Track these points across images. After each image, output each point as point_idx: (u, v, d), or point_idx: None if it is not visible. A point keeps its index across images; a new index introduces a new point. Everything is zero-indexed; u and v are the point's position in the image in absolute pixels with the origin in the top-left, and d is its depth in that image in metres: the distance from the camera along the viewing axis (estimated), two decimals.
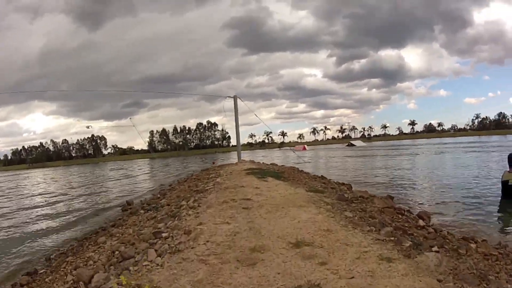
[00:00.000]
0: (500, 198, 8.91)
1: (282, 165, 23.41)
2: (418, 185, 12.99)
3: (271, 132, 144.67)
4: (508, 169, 8.07)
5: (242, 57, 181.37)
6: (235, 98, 23.07)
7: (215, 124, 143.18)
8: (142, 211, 9.45)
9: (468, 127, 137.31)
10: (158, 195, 13.91)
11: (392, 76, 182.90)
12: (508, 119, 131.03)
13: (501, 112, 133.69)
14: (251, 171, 13.38)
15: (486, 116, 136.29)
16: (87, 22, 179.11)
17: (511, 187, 7.96)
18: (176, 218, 5.95)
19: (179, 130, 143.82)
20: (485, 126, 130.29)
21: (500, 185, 8.91)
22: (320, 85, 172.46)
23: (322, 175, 14.17)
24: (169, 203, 8.99)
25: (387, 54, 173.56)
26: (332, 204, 5.97)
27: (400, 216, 6.20)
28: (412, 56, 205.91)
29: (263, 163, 25.31)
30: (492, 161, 20.51)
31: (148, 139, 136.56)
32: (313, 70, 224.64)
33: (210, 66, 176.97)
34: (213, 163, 33.67)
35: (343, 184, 11.24)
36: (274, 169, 15.89)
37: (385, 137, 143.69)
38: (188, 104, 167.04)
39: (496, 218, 7.99)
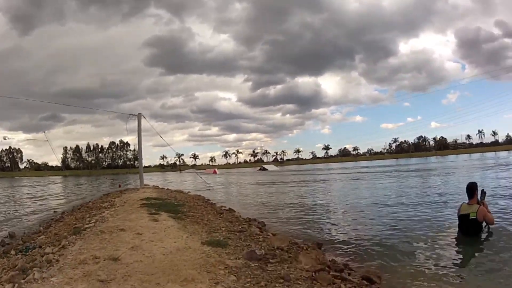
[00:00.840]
0: (456, 235, 7.19)
1: (189, 192, 21.87)
2: (342, 218, 10.60)
3: (182, 154, 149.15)
4: (467, 201, 7.23)
5: (159, 77, 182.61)
6: (138, 116, 21.44)
7: (128, 144, 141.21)
8: (13, 252, 7.36)
9: (385, 151, 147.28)
10: (41, 228, 11.35)
11: (307, 102, 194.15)
12: (429, 142, 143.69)
13: (421, 136, 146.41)
14: (147, 201, 11.77)
15: (405, 140, 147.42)
16: (19, 25, 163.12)
17: (473, 222, 7.04)
18: (25, 278, 4.32)
19: (92, 148, 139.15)
20: (404, 149, 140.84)
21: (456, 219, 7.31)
22: (234, 109, 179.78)
23: (230, 208, 12.98)
24: (43, 244, 7.10)
25: (304, 81, 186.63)
26: (237, 271, 4.08)
27: (341, 283, 4.10)
28: (329, 83, 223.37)
29: (167, 189, 23.40)
30: (415, 186, 19.99)
31: (62, 156, 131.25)
32: (228, 94, 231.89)
33: (127, 84, 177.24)
34: (119, 185, 31.41)
35: (254, 220, 10.07)
36: (176, 199, 14.32)
37: (298, 161, 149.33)
38: (103, 121, 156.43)
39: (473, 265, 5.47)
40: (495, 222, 7.13)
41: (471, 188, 6.93)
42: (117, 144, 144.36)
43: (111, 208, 10.86)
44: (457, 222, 7.19)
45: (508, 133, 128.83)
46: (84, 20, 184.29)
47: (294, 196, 18.30)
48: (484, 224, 6.94)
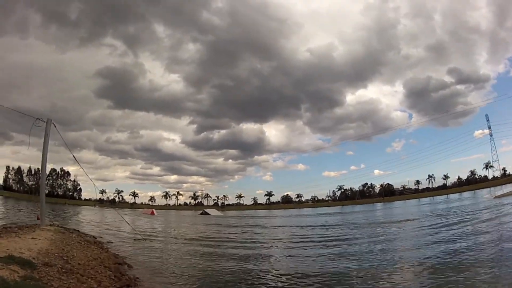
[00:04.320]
0: None
1: (108, 242, 16.05)
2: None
3: (122, 191, 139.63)
4: None
5: (107, 110, 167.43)
6: (48, 122, 16.92)
7: (68, 173, 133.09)
8: None
9: (329, 198, 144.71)
10: None
11: (250, 148, 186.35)
12: (374, 188, 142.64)
13: (366, 183, 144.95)
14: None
15: (351, 187, 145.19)
16: None
17: None
18: None
19: (33, 172, 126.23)
20: (348, 197, 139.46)
21: None
22: (177, 150, 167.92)
23: None
24: None
25: (248, 127, 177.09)
26: None
27: None
28: (273, 131, 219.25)
29: (77, 234, 16.99)
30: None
31: (4, 175, 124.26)
32: (172, 135, 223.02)
33: (75, 112, 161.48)
34: (38, 218, 24.33)
35: None
36: (68, 261, 8.59)
37: (239, 206, 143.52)
38: (49, 147, 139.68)
39: None
40: None
41: None
42: (58, 172, 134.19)
43: None
44: None
45: (458, 176, 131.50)
46: (45, 39, 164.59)
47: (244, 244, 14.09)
48: None
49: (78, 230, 19.82)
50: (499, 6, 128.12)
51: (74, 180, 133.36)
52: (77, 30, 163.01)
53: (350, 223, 29.39)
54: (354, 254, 12.62)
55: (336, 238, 18.23)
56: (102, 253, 11.68)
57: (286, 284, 8.71)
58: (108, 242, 16.91)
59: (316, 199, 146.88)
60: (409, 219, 28.10)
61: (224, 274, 10.04)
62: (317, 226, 28.73)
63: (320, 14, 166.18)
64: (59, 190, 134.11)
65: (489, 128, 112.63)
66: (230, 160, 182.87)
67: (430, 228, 19.33)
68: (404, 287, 8.33)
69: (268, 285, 8.76)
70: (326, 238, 18.35)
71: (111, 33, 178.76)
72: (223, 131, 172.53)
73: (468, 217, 23.88)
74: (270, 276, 9.70)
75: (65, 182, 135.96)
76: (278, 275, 9.69)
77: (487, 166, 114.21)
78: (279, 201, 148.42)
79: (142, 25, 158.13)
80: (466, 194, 79.40)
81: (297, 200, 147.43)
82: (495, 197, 41.16)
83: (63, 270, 7.48)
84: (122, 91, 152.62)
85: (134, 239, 18.55)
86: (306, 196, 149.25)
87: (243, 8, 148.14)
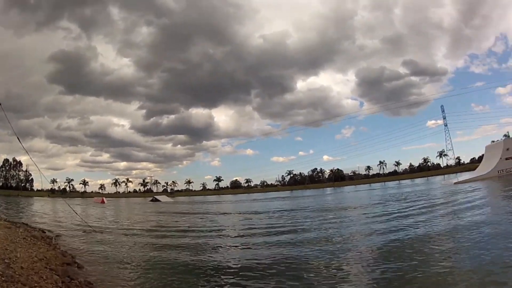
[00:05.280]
0: None
1: (57, 236, 15.81)
2: None
3: (72, 180, 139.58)
4: None
5: (58, 95, 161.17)
6: None
7: (20, 163, 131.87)
8: None
9: (278, 183, 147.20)
10: None
11: (199, 133, 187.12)
12: (323, 174, 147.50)
13: (315, 168, 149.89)
14: None
15: (300, 173, 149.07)
16: None
17: None
18: None
19: None
20: (298, 182, 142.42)
21: None
22: (126, 136, 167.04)
23: None
24: None
25: (198, 112, 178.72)
26: None
27: None
28: (222, 116, 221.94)
29: (25, 226, 16.59)
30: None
31: None
32: (122, 120, 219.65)
33: (29, 99, 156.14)
34: None
35: None
36: (12, 259, 8.15)
37: (188, 192, 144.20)
38: (2, 137, 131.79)
39: None
40: None
41: None
42: (11, 162, 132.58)
43: None
44: None
45: (410, 163, 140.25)
46: (4, 24, 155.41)
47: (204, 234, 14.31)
48: None
49: (26, 224, 19.10)
50: (467, 4, 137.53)
51: (26, 170, 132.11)
52: (36, 13, 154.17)
53: (304, 208, 30.42)
54: (309, 241, 13.03)
55: (291, 224, 18.93)
56: (49, 251, 11.21)
57: (241, 276, 8.84)
58: (57, 235, 16.45)
59: (265, 184, 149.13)
60: (371, 203, 28.70)
61: (185, 269, 10.01)
62: (271, 211, 29.61)
63: (279, 1, 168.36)
64: (12, 181, 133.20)
65: (444, 118, 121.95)
66: (179, 146, 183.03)
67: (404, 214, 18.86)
68: (361, 272, 8.64)
69: (223, 277, 8.92)
70: (280, 225, 18.82)
71: (67, 16, 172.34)
72: (172, 116, 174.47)
73: (427, 202, 24.03)
74: (225, 267, 9.90)
75: (17, 172, 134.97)
76: (233, 267, 9.89)
77: (441, 154, 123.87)
78: (227, 186, 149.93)
79: (98, 7, 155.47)
80: (418, 180, 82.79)
81: (246, 185, 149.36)
82: (455, 183, 42.93)
83: (3, 278, 6.47)
84: (74, 75, 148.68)
85: (84, 231, 18.37)
86: (255, 181, 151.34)
87: None
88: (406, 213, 19.14)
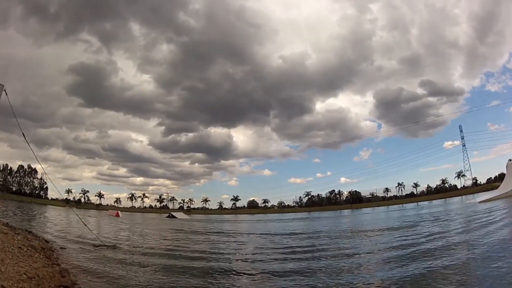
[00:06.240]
0: None
1: (62, 248, 13.42)
2: None
3: (88, 191, 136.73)
4: None
5: (77, 108, 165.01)
6: None
7: (35, 171, 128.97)
8: None
9: (295, 204, 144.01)
10: None
11: (217, 152, 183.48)
12: (341, 195, 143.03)
13: (333, 190, 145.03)
14: None
15: (318, 194, 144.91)
16: None
17: None
18: None
19: (1, 168, 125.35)
20: (315, 203, 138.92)
21: None
22: (144, 152, 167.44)
23: None
24: None
25: (216, 131, 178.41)
26: None
27: None
28: (241, 136, 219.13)
29: (26, 233, 14.32)
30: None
31: None
32: (140, 136, 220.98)
33: (47, 108, 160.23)
34: None
35: None
36: None
37: (205, 210, 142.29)
38: (19, 144, 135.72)
39: None
40: None
41: None
42: (25, 169, 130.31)
43: None
44: None
45: (428, 184, 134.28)
46: (24, 32, 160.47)
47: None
48: None
49: (29, 231, 17.29)
50: (481, 22, 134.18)
51: (41, 178, 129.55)
52: (56, 24, 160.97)
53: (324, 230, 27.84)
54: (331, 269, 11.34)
55: (310, 248, 16.73)
56: (45, 267, 9.06)
57: None
58: (61, 248, 14.49)
59: (282, 204, 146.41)
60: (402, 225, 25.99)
61: None
62: (291, 234, 26.72)
63: (298, 22, 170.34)
64: (26, 188, 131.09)
65: (462, 138, 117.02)
66: (197, 164, 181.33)
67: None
68: None
69: None
70: (301, 249, 16.65)
71: (88, 29, 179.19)
72: (190, 134, 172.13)
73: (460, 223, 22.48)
74: None
75: (32, 180, 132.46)
76: None
77: (459, 175, 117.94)
78: (244, 206, 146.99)
79: (118, 22, 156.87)
80: (436, 202, 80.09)
81: (263, 205, 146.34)
82: (480, 202, 40.96)
83: None
84: (93, 88, 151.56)
85: (93, 245, 16.16)
86: (272, 202, 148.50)
87: (220, 11, 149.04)
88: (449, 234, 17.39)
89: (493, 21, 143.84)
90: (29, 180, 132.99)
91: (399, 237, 18.32)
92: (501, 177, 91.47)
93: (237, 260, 13.96)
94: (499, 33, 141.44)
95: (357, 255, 13.50)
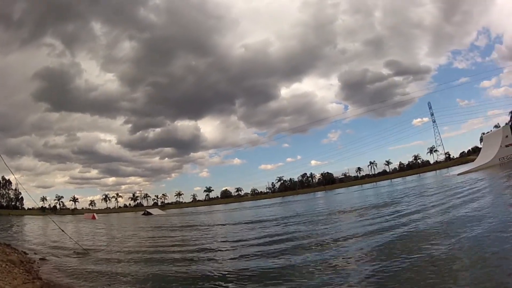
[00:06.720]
0: None
1: (42, 259, 13.17)
2: None
3: (62, 197, 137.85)
4: None
5: (45, 113, 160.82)
6: None
7: (9, 182, 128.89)
8: None
9: (268, 190, 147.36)
10: None
11: (186, 146, 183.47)
12: (313, 178, 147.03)
13: (304, 173, 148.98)
14: None
15: (290, 178, 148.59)
16: None
17: None
18: None
19: None
20: (288, 187, 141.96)
21: None
22: (114, 151, 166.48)
23: None
24: None
25: (184, 124, 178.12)
26: None
27: None
28: (208, 127, 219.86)
29: (3, 247, 14.18)
30: None
31: None
32: (109, 136, 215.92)
33: (14, 117, 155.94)
34: None
35: None
36: None
37: (179, 204, 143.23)
38: None
39: None
40: None
41: None
42: (0, 181, 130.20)
43: None
44: None
45: (400, 161, 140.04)
46: None
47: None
48: None
49: (7, 244, 17.11)
50: (447, 2, 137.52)
51: (15, 189, 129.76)
52: (20, 30, 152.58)
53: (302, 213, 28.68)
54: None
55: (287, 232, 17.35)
56: (26, 283, 8.79)
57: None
58: (41, 259, 14.15)
59: (255, 191, 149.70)
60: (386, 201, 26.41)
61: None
62: (266, 220, 27.27)
63: (259, 11, 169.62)
64: (2, 200, 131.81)
65: (432, 115, 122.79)
66: (166, 159, 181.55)
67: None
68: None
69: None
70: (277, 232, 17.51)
71: (51, 32, 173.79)
72: (158, 130, 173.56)
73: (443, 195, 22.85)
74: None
75: (7, 191, 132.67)
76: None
77: (432, 150, 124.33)
78: (218, 197, 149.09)
79: (80, 23, 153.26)
80: (410, 178, 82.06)
81: (236, 194, 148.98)
82: (459, 174, 42.57)
83: None
84: (59, 92, 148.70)
85: (74, 252, 16.13)
86: (245, 190, 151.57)
87: (180, 5, 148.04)
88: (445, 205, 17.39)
89: (460, 0, 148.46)
90: (4, 192, 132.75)
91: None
92: (474, 151, 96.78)
93: (213, 248, 14.84)
94: (466, 12, 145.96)
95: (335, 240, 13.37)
